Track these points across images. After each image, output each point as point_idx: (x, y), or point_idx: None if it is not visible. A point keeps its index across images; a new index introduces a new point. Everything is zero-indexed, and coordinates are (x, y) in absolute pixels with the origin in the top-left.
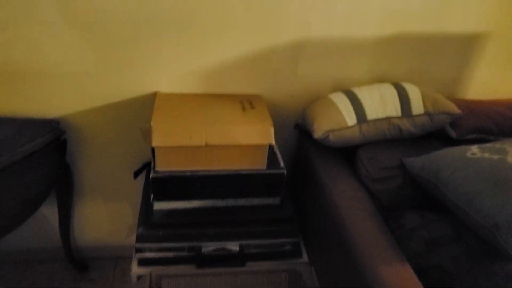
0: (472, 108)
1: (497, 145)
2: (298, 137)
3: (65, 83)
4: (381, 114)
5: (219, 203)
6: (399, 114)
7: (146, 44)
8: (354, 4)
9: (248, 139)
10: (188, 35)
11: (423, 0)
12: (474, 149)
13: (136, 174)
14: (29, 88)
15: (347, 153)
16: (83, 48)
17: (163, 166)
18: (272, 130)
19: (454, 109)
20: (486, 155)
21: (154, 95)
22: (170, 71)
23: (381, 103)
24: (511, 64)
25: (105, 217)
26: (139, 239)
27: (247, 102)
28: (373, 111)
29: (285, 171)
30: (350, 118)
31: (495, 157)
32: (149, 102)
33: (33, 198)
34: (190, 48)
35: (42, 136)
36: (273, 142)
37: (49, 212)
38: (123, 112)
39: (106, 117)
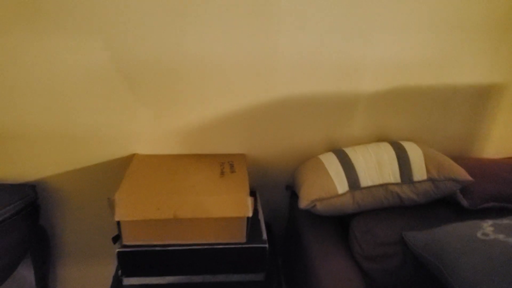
0: (487, 170)
1: None
2: (290, 199)
3: (43, 146)
4: (377, 180)
5: (195, 279)
6: (398, 180)
7: (124, 104)
8: (347, 58)
9: (222, 211)
10: (168, 93)
11: (423, 52)
12: (487, 227)
13: (115, 240)
14: (5, 151)
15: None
16: (61, 111)
17: (130, 239)
18: (249, 200)
19: (463, 175)
20: (501, 237)
21: (132, 157)
22: (149, 131)
23: (377, 167)
24: None
25: (84, 281)
26: None
27: (228, 165)
28: (367, 177)
29: (267, 245)
30: (341, 185)
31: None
32: (127, 164)
33: (5, 265)
34: (169, 107)
35: (13, 203)
36: (250, 214)
37: (26, 273)
38: (102, 174)
39: (85, 180)
